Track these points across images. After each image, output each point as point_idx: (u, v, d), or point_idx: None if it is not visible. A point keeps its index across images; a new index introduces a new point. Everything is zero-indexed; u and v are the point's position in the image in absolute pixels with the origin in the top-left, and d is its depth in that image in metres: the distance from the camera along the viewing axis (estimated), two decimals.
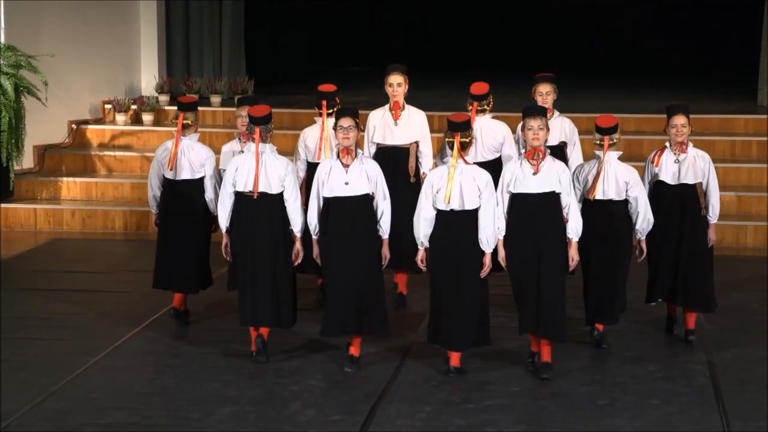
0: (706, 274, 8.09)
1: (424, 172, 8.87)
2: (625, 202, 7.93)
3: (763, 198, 11.69)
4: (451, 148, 7.48)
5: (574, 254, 7.47)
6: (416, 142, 8.93)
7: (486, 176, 7.45)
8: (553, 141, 8.55)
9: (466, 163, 7.48)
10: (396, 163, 8.84)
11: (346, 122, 7.46)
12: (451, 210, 7.42)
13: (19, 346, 8.04)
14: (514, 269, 7.46)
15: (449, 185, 7.40)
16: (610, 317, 8.00)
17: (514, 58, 17.81)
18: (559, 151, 8.71)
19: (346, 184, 7.47)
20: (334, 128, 7.54)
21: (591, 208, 7.89)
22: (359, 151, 7.55)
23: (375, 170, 7.54)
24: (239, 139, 8.45)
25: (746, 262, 10.54)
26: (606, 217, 7.89)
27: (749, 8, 16.17)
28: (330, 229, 7.52)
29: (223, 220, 7.75)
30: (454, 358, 7.53)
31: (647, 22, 18.70)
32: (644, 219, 7.94)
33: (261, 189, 7.62)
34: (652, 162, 8.08)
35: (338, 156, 7.50)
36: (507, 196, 7.40)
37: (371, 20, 19.35)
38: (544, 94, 8.72)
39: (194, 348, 8.05)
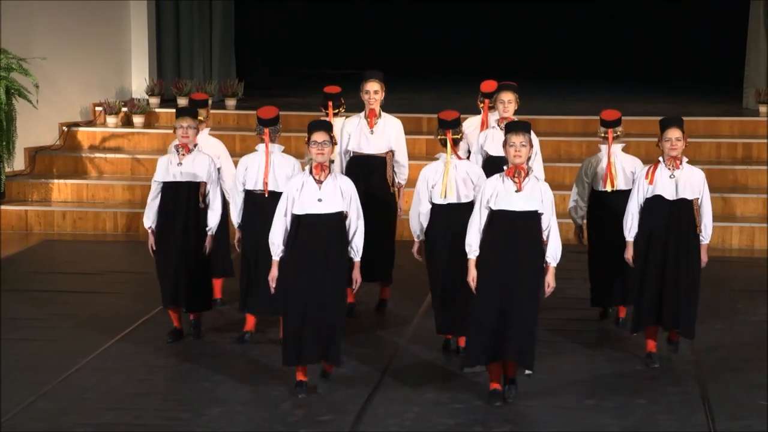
0: (694, 297, 7.70)
1: (399, 182, 8.84)
2: (629, 192, 8.20)
3: (749, 199, 11.78)
4: (444, 145, 7.67)
5: (550, 280, 7.04)
6: (392, 151, 8.80)
7: (479, 170, 7.76)
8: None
9: (459, 158, 7.70)
10: (370, 172, 8.70)
11: (321, 137, 7.05)
12: (448, 204, 7.65)
13: (11, 347, 8.05)
14: (486, 290, 6.99)
15: (445, 180, 7.60)
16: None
17: (505, 62, 17.87)
18: None
19: (319, 200, 7.07)
20: (307, 143, 7.12)
21: (603, 199, 8.27)
22: (333, 167, 7.19)
23: (349, 187, 7.16)
24: (177, 151, 8.08)
25: (731, 263, 10.60)
26: (618, 206, 8.10)
27: (735, 10, 16.25)
28: (298, 248, 7.08)
29: (235, 216, 8.03)
30: (463, 342, 7.82)
31: (634, 26, 18.78)
32: None
33: (270, 188, 7.84)
34: (646, 178, 7.68)
35: (311, 172, 7.11)
36: (486, 212, 7.02)
37: (362, 23, 19.40)
38: (506, 102, 8.56)
39: (185, 349, 8.08)
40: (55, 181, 12.60)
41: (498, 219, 6.99)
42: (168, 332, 8.29)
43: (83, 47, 13.57)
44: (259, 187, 7.90)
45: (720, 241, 11.24)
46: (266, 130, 7.86)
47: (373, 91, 8.70)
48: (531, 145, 7.02)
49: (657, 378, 7.54)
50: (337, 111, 8.98)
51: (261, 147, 7.91)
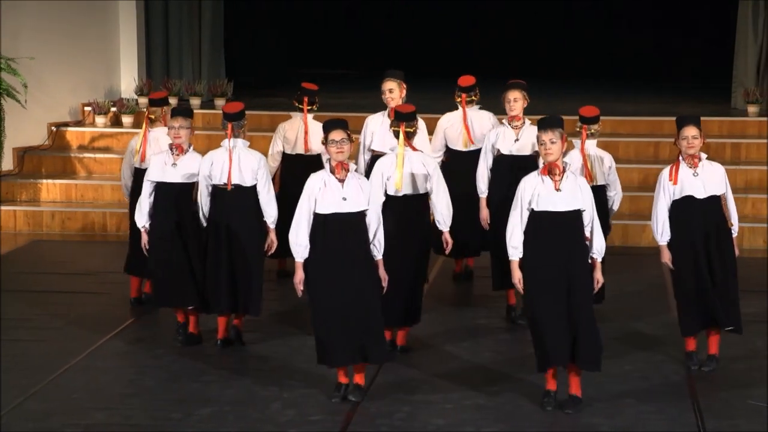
0: (737, 290, 7.64)
1: None
2: (605, 186, 8.37)
3: (738, 199, 11.53)
4: (397, 138, 7.75)
5: (599, 276, 6.95)
6: None
7: (433, 162, 7.84)
8: (525, 150, 8.56)
9: (414, 149, 7.77)
10: None
11: (338, 135, 6.93)
12: (404, 195, 7.71)
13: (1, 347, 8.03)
14: (537, 293, 6.86)
15: (399, 172, 7.66)
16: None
17: (495, 62, 17.87)
18: (531, 163, 8.45)
19: (344, 199, 6.96)
20: (323, 143, 7.04)
21: None
22: (352, 164, 7.09)
23: (368, 185, 7.13)
24: (171, 151, 8.08)
25: None
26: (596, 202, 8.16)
27: (724, 11, 16.30)
28: (324, 249, 6.99)
29: (203, 212, 8.01)
30: (400, 337, 8.00)
31: (624, 26, 18.82)
32: (618, 198, 8.48)
33: (235, 181, 7.89)
34: (669, 179, 7.56)
35: (332, 171, 7.00)
36: (527, 213, 6.86)
37: (351, 23, 19.39)
38: (512, 101, 8.54)
39: (174, 349, 8.07)
40: (44, 181, 12.58)
41: (541, 220, 6.84)
42: (177, 330, 8.24)
43: (72, 47, 13.55)
44: (224, 181, 7.93)
45: None
46: (229, 125, 7.91)
47: (389, 90, 8.78)
48: (564, 140, 6.83)
49: (646, 378, 7.56)
50: (310, 108, 9.18)
51: (226, 142, 7.97)
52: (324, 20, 19.18)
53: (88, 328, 8.54)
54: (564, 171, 6.86)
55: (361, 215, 7.04)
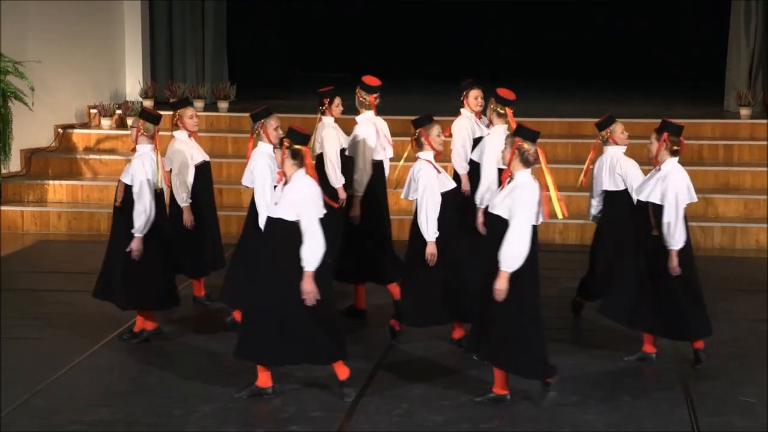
0: (670, 299, 7.56)
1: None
2: (625, 192, 8.31)
3: (730, 200, 11.92)
4: None
5: (498, 285, 6.70)
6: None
7: (424, 171, 7.77)
8: (476, 158, 8.68)
9: (417, 158, 7.84)
10: (348, 172, 8.70)
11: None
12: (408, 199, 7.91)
13: (5, 346, 8.10)
14: (480, 287, 7.00)
15: (394, 176, 7.99)
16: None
17: (495, 62, 17.98)
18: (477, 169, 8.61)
19: (275, 204, 6.97)
20: None
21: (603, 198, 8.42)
22: (299, 172, 6.92)
23: (303, 194, 6.87)
24: None
25: (713, 262, 10.64)
26: (607, 206, 8.34)
27: (716, 15, 16.41)
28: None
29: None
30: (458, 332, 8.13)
31: (622, 30, 18.93)
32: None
33: (242, 180, 8.12)
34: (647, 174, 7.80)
35: None
36: None
37: (351, 24, 19.49)
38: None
39: (176, 347, 8.16)
40: (51, 182, 12.69)
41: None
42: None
43: (78, 50, 13.67)
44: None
45: (702, 240, 11.39)
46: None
47: None
48: (511, 148, 6.88)
49: (640, 375, 7.62)
50: (322, 107, 9.02)
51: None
52: (324, 21, 19.26)
53: (92, 326, 8.61)
54: (509, 178, 6.85)
55: (283, 222, 6.91)
